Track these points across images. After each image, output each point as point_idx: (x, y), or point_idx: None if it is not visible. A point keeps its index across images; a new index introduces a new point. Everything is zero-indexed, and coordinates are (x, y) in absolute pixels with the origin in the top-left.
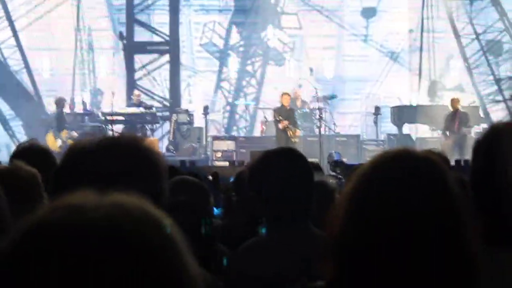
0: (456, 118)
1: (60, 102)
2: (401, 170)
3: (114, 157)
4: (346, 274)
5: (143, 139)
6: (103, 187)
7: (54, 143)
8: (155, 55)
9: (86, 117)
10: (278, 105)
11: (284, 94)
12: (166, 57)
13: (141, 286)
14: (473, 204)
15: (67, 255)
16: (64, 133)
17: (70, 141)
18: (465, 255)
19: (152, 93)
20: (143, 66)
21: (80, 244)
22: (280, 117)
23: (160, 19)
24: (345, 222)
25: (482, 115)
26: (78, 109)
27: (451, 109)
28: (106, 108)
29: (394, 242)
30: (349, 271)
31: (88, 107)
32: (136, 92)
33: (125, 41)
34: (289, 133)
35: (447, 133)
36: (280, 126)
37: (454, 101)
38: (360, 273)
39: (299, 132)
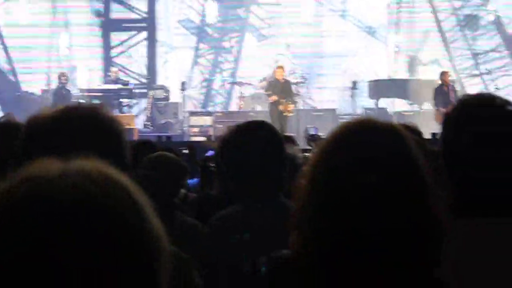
0: (449, 91)
1: (60, 77)
2: (362, 139)
3: (72, 127)
4: (310, 243)
5: (101, 107)
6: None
7: None
8: (132, 32)
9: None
10: (254, 81)
11: (278, 67)
12: (143, 34)
13: (113, 248)
14: (444, 175)
15: (38, 230)
16: None
17: None
18: (433, 225)
19: (129, 70)
20: (120, 43)
21: (52, 216)
22: (269, 92)
23: None
24: (308, 192)
25: (458, 89)
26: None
27: (439, 82)
28: (82, 85)
29: (356, 211)
30: (312, 240)
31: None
32: (113, 68)
33: (101, 18)
34: (280, 107)
35: (440, 107)
36: (271, 99)
37: (445, 75)
38: (323, 241)
39: (292, 106)
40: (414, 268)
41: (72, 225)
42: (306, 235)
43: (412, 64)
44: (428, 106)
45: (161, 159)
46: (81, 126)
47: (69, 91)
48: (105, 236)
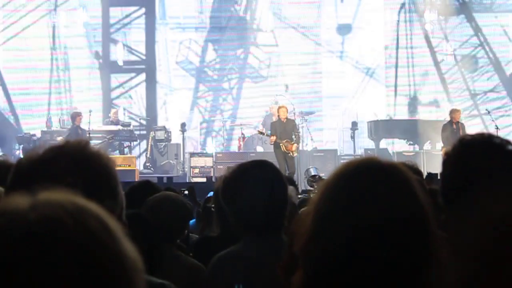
0: (459, 129)
1: (73, 117)
2: (365, 177)
3: (59, 165)
4: (313, 281)
5: (88, 144)
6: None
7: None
8: (132, 74)
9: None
10: (255, 122)
11: (280, 107)
12: (143, 76)
13: (85, 273)
14: (443, 214)
15: (7, 262)
16: None
17: None
18: (430, 261)
19: (129, 112)
20: (120, 85)
21: (21, 248)
22: (265, 132)
23: (136, 37)
24: (310, 230)
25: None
26: (56, 127)
27: (450, 119)
28: (83, 126)
29: (360, 249)
30: (315, 278)
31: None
32: (113, 110)
33: (101, 60)
34: (283, 147)
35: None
36: (271, 140)
37: (456, 113)
38: (326, 280)
39: (294, 146)
40: None
41: (44, 254)
42: (310, 273)
43: (412, 104)
44: (428, 146)
45: (167, 199)
46: (66, 164)
47: (84, 130)
48: (77, 263)
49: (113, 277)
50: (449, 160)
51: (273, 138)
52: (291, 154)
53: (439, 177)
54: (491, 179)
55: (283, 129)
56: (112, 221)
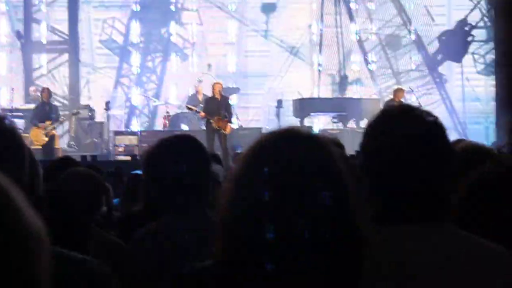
0: None
1: (42, 92)
2: (284, 146)
3: None
4: (231, 252)
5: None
6: None
7: (40, 137)
8: (54, 54)
9: None
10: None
11: (216, 83)
12: (65, 56)
13: None
14: (363, 184)
15: None
16: (49, 123)
17: (53, 132)
18: (354, 233)
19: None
20: (42, 67)
21: None
22: (194, 107)
23: (59, 15)
24: (228, 201)
25: (382, 107)
26: None
27: (393, 98)
28: (4, 105)
29: (275, 220)
30: (233, 249)
31: None
32: (32, 87)
33: (23, 40)
34: (214, 124)
35: None
36: (200, 115)
37: (400, 91)
38: (243, 250)
39: (225, 122)
40: (335, 278)
41: None
42: (228, 244)
43: (341, 83)
44: (353, 124)
45: (76, 174)
46: None
47: (54, 106)
48: None
49: (14, 250)
50: (367, 129)
51: (203, 114)
52: (223, 131)
53: None
54: (409, 148)
55: (217, 106)
56: (15, 191)
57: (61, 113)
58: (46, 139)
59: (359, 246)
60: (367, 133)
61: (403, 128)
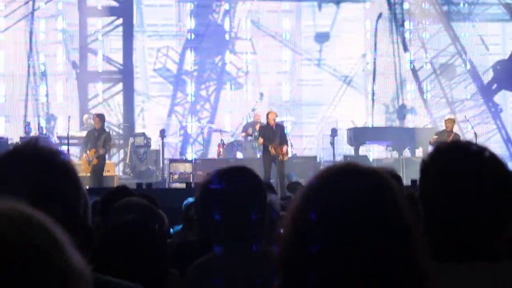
0: (450, 137)
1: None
2: (344, 182)
3: (15, 165)
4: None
5: (43, 143)
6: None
7: (85, 165)
8: (109, 84)
9: (43, 140)
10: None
11: (269, 112)
12: (120, 86)
13: (27, 283)
14: (423, 221)
15: None
16: (92, 152)
17: (95, 161)
18: (415, 270)
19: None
20: (97, 95)
21: None
22: (254, 134)
23: (114, 44)
24: (290, 237)
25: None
26: (34, 134)
27: (445, 128)
28: (60, 133)
29: (341, 256)
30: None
31: (43, 132)
32: (86, 115)
33: (78, 70)
34: (272, 151)
35: None
36: (259, 143)
37: (449, 121)
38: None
39: (284, 149)
40: None
41: None
42: (289, 281)
43: (401, 112)
44: (408, 153)
45: (130, 204)
46: (18, 165)
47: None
48: (24, 275)
49: (52, 286)
50: (425, 166)
51: (261, 140)
52: (280, 157)
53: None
54: (467, 185)
55: (272, 134)
56: (59, 231)
57: (116, 140)
58: (89, 167)
59: (420, 284)
60: (423, 167)
61: (459, 163)
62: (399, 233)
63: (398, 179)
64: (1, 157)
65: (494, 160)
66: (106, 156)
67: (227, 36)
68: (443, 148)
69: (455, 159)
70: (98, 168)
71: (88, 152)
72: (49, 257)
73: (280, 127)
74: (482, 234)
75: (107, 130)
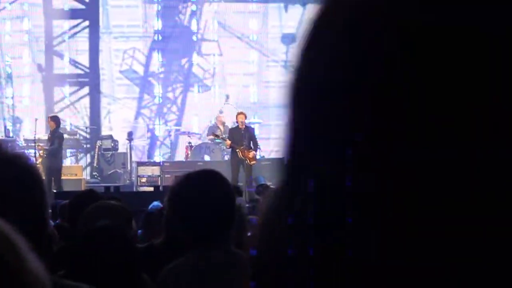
0: None
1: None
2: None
3: None
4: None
5: (8, 146)
6: None
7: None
8: (75, 87)
9: (9, 144)
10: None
11: (239, 113)
12: (86, 89)
13: None
14: None
15: None
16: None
17: (41, 159)
18: None
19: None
20: (63, 99)
21: None
22: (219, 135)
23: (80, 46)
24: (266, 241)
25: None
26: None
27: None
28: (27, 136)
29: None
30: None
31: (10, 134)
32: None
33: (44, 73)
34: (239, 154)
35: None
36: (226, 144)
37: None
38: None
39: (252, 153)
40: None
41: None
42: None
43: None
44: None
45: (104, 207)
46: None
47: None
48: None
49: None
50: None
51: (228, 142)
52: (248, 161)
53: None
54: None
55: (241, 136)
56: (17, 237)
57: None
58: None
59: None
60: None
61: None
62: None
63: None
64: None
65: None
66: (64, 160)
67: (194, 38)
68: None
69: None
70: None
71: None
72: (7, 263)
73: (249, 129)
74: None
75: (61, 132)
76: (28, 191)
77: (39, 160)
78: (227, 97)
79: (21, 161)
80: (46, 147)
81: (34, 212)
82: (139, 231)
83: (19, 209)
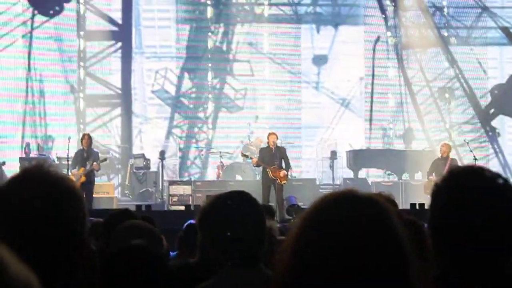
0: (447, 164)
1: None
2: (343, 211)
3: (22, 190)
4: None
5: (46, 165)
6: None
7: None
8: (107, 108)
9: (46, 163)
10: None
11: (270, 134)
12: (118, 110)
13: None
14: (432, 247)
15: None
16: (81, 170)
17: (83, 178)
18: None
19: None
20: (95, 119)
21: None
22: (247, 154)
23: (112, 66)
24: (290, 263)
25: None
26: (33, 154)
27: (441, 155)
28: (60, 154)
29: (338, 282)
30: None
31: (43, 152)
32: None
33: (76, 94)
34: (270, 174)
35: (432, 176)
36: (253, 162)
37: (446, 147)
38: None
39: (282, 172)
40: None
41: None
42: None
43: (408, 135)
44: (406, 176)
45: (134, 227)
46: (28, 187)
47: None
48: None
49: None
50: (437, 191)
51: (255, 160)
52: (279, 181)
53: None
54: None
55: (272, 156)
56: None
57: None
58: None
59: None
60: (436, 193)
61: (474, 190)
62: (396, 262)
63: (394, 204)
64: (12, 178)
65: (507, 187)
66: (96, 178)
67: (225, 58)
68: (456, 173)
69: (468, 186)
70: (87, 188)
71: (72, 172)
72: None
73: (280, 149)
74: (492, 260)
75: (95, 150)
76: (71, 213)
77: (81, 180)
78: (257, 117)
79: (65, 183)
80: (87, 167)
81: (74, 233)
82: (173, 253)
83: (62, 230)
